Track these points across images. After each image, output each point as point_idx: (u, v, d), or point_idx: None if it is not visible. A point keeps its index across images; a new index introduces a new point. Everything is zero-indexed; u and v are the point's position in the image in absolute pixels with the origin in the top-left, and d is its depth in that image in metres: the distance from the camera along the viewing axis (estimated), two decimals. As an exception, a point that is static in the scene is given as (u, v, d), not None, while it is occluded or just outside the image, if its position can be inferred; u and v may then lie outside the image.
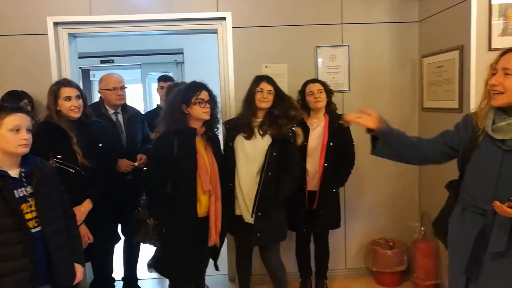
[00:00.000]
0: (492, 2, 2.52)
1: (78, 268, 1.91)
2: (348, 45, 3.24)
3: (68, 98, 2.34)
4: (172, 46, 5.61)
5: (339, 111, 2.99)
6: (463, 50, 2.63)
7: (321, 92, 2.80)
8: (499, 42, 2.50)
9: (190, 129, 2.30)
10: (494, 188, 1.63)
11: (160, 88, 3.79)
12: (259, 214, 2.50)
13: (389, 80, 3.30)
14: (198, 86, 2.35)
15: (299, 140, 2.63)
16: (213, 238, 2.36)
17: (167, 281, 2.57)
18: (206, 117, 2.32)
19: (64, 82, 2.43)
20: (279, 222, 2.61)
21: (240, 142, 2.58)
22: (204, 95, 2.31)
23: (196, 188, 2.28)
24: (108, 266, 2.86)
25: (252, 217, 2.51)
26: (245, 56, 3.19)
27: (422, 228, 3.09)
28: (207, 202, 2.34)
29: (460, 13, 2.65)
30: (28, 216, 1.68)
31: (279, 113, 2.55)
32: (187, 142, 2.27)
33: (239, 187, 2.57)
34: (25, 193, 1.70)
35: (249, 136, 2.56)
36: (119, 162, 2.84)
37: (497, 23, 2.54)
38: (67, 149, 2.29)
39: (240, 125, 2.59)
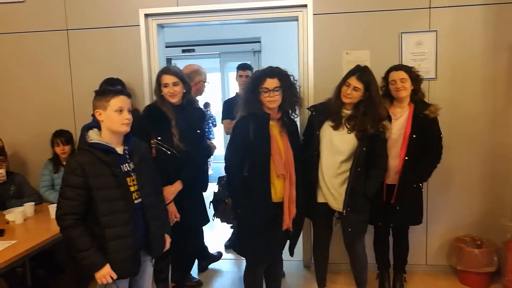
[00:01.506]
0: None
1: (167, 238, 2.13)
2: (436, 30, 3.05)
3: (166, 85, 2.57)
4: (249, 35, 5.71)
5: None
6: None
7: (404, 81, 2.62)
8: None
9: (263, 114, 2.36)
10: None
11: (239, 76, 3.88)
12: (349, 209, 2.50)
13: (482, 68, 3.06)
14: (261, 75, 2.37)
15: (388, 134, 2.53)
16: (286, 222, 2.39)
17: (243, 262, 2.66)
18: (272, 105, 2.33)
19: (165, 70, 2.66)
20: (366, 215, 2.60)
21: (328, 132, 2.55)
22: (268, 83, 2.31)
23: (269, 172, 2.33)
24: (191, 244, 3.03)
25: (343, 212, 2.52)
26: (325, 43, 3.15)
27: (516, 228, 2.86)
28: (281, 187, 2.38)
29: None
30: (131, 189, 1.89)
31: (366, 114, 2.46)
32: (261, 127, 2.34)
33: (322, 177, 2.57)
34: (129, 168, 1.90)
35: (336, 126, 2.53)
36: (211, 145, 3.12)
37: None
38: (166, 131, 2.52)
39: (329, 113, 2.56)
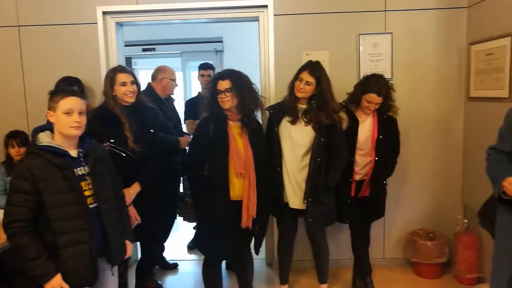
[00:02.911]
0: (550, -14, 2.39)
1: (128, 244, 2.04)
2: (391, 33, 3.17)
3: (124, 84, 2.45)
4: (212, 35, 5.68)
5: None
6: (516, 37, 2.53)
7: (378, 104, 2.66)
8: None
9: (221, 115, 2.41)
10: None
11: (200, 76, 3.88)
12: (310, 199, 2.56)
13: (434, 68, 3.22)
14: (215, 77, 2.45)
15: (345, 125, 2.62)
16: (245, 221, 2.43)
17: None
18: (224, 106, 2.37)
19: (120, 69, 2.55)
20: (329, 206, 2.65)
21: (286, 127, 2.61)
22: (220, 85, 2.36)
23: (228, 171, 2.37)
24: (154, 248, 2.99)
25: (304, 202, 2.58)
26: (286, 44, 3.20)
27: (465, 221, 3.02)
28: (241, 186, 2.41)
29: (513, -2, 2.54)
30: (86, 194, 1.80)
31: (319, 107, 2.54)
32: (219, 127, 2.40)
33: (286, 173, 2.62)
34: (84, 172, 1.82)
35: (294, 120, 2.59)
36: (180, 141, 3.03)
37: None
38: (119, 134, 2.40)
39: (285, 109, 2.63)
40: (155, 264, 3.23)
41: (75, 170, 1.79)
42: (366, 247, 2.99)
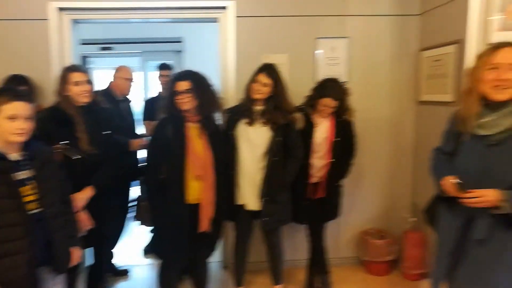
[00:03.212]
0: (492, -3, 2.55)
1: (75, 251, 1.93)
2: (348, 37, 3.27)
3: (78, 83, 2.36)
4: (172, 35, 5.63)
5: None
6: (460, 44, 2.67)
7: (333, 108, 2.71)
8: (498, 37, 2.52)
9: (180, 116, 2.39)
10: (478, 179, 1.70)
11: (160, 76, 3.84)
12: (267, 198, 2.58)
13: (388, 72, 3.34)
14: (174, 78, 2.44)
15: (300, 125, 2.68)
16: (204, 225, 2.41)
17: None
18: (183, 107, 2.35)
19: (73, 68, 2.46)
20: (285, 205, 2.69)
21: (243, 129, 2.63)
22: (178, 86, 2.35)
23: (185, 173, 2.35)
24: (105, 253, 2.91)
25: (260, 202, 2.59)
26: (246, 46, 3.21)
27: (413, 219, 3.16)
28: (199, 189, 2.39)
29: (459, 8, 2.69)
30: (30, 198, 1.69)
31: (275, 108, 2.58)
32: (177, 128, 2.37)
33: (243, 174, 2.63)
34: (26, 176, 1.70)
35: (251, 122, 2.61)
36: (131, 143, 2.97)
37: (496, 18, 2.57)
38: (72, 135, 2.31)
39: (242, 111, 2.64)
40: (107, 271, 3.13)
41: (17, 174, 1.67)
42: (322, 246, 3.04)
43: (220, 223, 2.57)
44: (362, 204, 3.43)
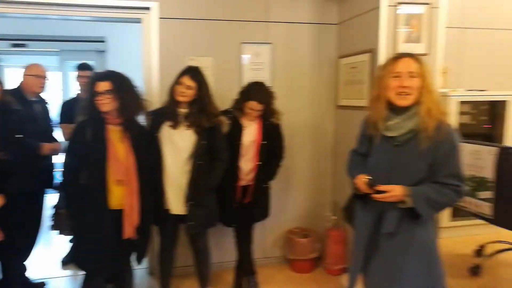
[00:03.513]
0: (398, 12, 2.79)
1: None
2: (271, 43, 3.36)
3: None
4: (94, 34, 5.38)
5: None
6: (373, 53, 2.88)
7: (258, 110, 2.76)
8: (404, 47, 2.77)
9: (99, 118, 2.31)
10: (387, 177, 1.85)
11: (78, 77, 3.65)
12: (192, 203, 2.55)
13: (309, 78, 3.49)
14: (94, 78, 2.35)
15: (225, 128, 2.70)
16: (128, 231, 2.34)
17: (80, 279, 2.50)
18: (103, 108, 2.27)
19: None
20: (211, 208, 2.68)
21: (167, 132, 2.59)
22: (98, 86, 2.27)
23: (106, 178, 2.27)
24: (16, 266, 2.69)
25: (186, 206, 2.56)
26: (170, 48, 3.17)
27: (334, 217, 3.33)
28: (121, 194, 2.32)
29: (371, 19, 2.90)
30: None
31: (200, 111, 2.57)
32: (97, 131, 2.29)
33: (168, 178, 2.59)
34: None
35: (175, 125, 2.57)
36: (42, 147, 2.78)
37: (402, 31, 2.82)
38: None
39: (166, 114, 2.60)
40: (20, 284, 2.90)
41: None
42: (250, 248, 3.09)
43: (147, 229, 2.50)
44: (287, 204, 3.54)
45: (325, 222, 3.41)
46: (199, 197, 2.58)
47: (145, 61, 3.20)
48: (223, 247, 3.35)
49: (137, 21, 3.19)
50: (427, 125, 1.77)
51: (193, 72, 2.60)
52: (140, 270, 3.29)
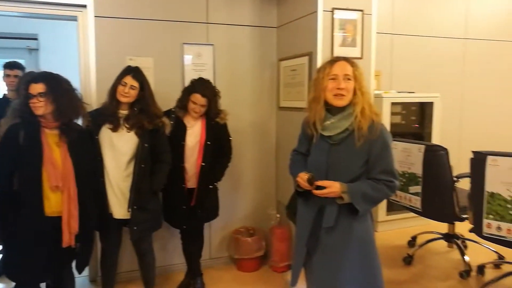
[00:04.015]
0: (334, 17, 2.92)
1: None
2: (213, 44, 3.37)
3: None
4: (24, 30, 5.05)
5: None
6: (311, 56, 2.99)
7: (203, 106, 2.77)
8: (340, 51, 2.91)
9: (34, 121, 2.19)
10: (325, 174, 1.94)
11: (6, 76, 3.42)
12: (135, 207, 2.50)
13: (252, 80, 3.54)
14: (27, 80, 2.22)
15: (167, 130, 2.67)
16: (66, 239, 2.23)
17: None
18: (37, 111, 2.16)
19: None
20: (155, 212, 2.65)
21: (107, 135, 2.51)
22: (32, 88, 2.16)
23: (41, 184, 2.16)
24: None
25: (128, 211, 2.50)
26: (108, 47, 3.07)
27: (278, 215, 3.41)
28: (59, 201, 2.21)
29: (309, 23, 3.00)
30: None
31: (141, 111, 2.53)
32: (31, 134, 2.18)
33: (109, 182, 2.52)
34: None
35: (115, 128, 2.51)
36: None
37: (338, 35, 2.95)
38: None
39: (105, 116, 2.52)
40: None
41: None
42: (198, 250, 3.08)
43: (88, 236, 2.40)
44: (233, 204, 3.57)
45: (269, 220, 3.47)
46: (143, 201, 2.54)
47: (82, 61, 3.08)
48: (168, 250, 3.31)
49: (73, 18, 3.05)
50: (361, 124, 1.87)
51: (135, 72, 2.55)
52: (81, 278, 3.15)
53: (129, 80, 2.50)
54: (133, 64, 2.83)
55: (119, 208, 2.54)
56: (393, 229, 3.79)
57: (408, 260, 3.01)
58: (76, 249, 2.33)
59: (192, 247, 3.05)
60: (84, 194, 2.29)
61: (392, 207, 3.71)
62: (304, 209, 2.07)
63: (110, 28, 3.07)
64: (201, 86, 2.77)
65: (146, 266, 2.79)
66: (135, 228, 2.55)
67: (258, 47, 3.53)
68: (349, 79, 1.91)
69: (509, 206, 2.27)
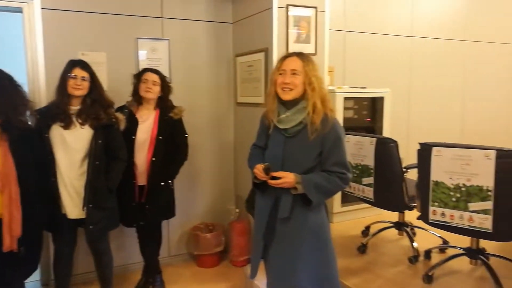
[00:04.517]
0: (289, 13, 2.97)
1: None
2: (168, 39, 3.33)
3: None
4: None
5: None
6: (267, 52, 3.03)
7: (155, 85, 2.77)
8: (295, 47, 2.96)
9: None
10: (281, 166, 1.99)
11: None
12: (91, 205, 2.43)
13: (209, 75, 3.54)
14: None
15: (122, 125, 2.62)
16: (7, 243, 2.12)
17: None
18: None
19: None
20: (111, 210, 2.59)
21: (58, 133, 2.42)
22: None
23: None
24: None
25: (83, 210, 2.43)
26: (58, 42, 2.96)
27: (237, 210, 3.44)
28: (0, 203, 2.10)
29: (265, 20, 3.04)
30: None
31: (94, 102, 2.48)
32: None
33: (62, 181, 2.43)
34: None
35: (67, 125, 2.42)
36: None
37: (293, 32, 3.01)
38: None
39: (55, 114, 2.43)
40: None
41: None
42: (154, 248, 3.04)
43: (34, 239, 2.29)
44: (192, 201, 3.55)
45: (229, 215, 3.49)
46: (98, 199, 2.48)
47: (29, 56, 2.94)
48: (126, 249, 3.25)
49: (17, 10, 2.90)
50: (313, 119, 1.93)
51: (82, 63, 2.50)
52: (32, 282, 3.02)
53: (78, 71, 2.44)
54: (85, 59, 2.75)
55: (73, 207, 2.46)
56: (348, 219, 3.93)
57: (362, 249, 3.14)
58: (20, 254, 2.20)
59: (149, 245, 3.01)
60: (29, 194, 2.18)
61: (347, 199, 3.84)
62: (261, 201, 2.11)
63: (59, 21, 2.96)
64: (150, 68, 2.84)
65: (103, 267, 2.73)
66: (91, 227, 2.48)
67: (214, 43, 3.53)
68: (296, 74, 1.96)
69: (451, 193, 2.43)
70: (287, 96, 1.98)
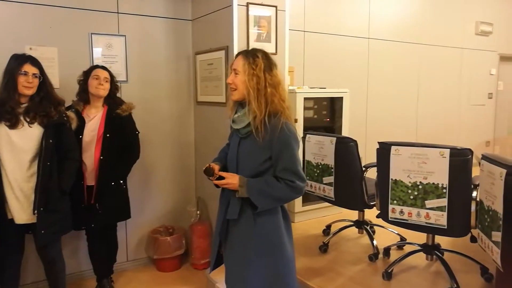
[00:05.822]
0: (249, 13, 2.94)
1: None
2: (125, 35, 3.21)
3: None
4: None
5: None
6: (228, 51, 2.97)
7: (107, 81, 2.70)
8: (255, 46, 2.91)
9: None
10: (236, 167, 1.94)
11: None
12: (42, 209, 2.29)
13: (167, 73, 3.45)
14: None
15: (74, 124, 2.53)
16: None
17: None
18: None
19: None
20: (64, 213, 2.46)
21: (4, 133, 2.27)
22: None
23: None
24: None
25: (34, 213, 2.29)
26: (2, 35, 2.77)
27: (198, 212, 3.36)
28: None
29: (225, 17, 2.98)
30: None
31: (43, 99, 2.35)
32: None
33: (9, 184, 2.28)
34: None
35: (13, 124, 2.27)
36: None
37: (253, 31, 2.98)
38: None
39: (1, 113, 2.27)
40: None
41: None
42: (105, 252, 2.93)
43: None
44: (149, 203, 3.44)
45: (190, 217, 3.41)
46: (50, 201, 2.34)
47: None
48: (79, 255, 3.11)
49: (-44, 1, 2.68)
50: (255, 121, 1.84)
51: (31, 59, 2.36)
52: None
53: (29, 68, 2.30)
54: (34, 54, 2.58)
55: (21, 212, 2.31)
56: (309, 219, 3.95)
57: (324, 248, 3.15)
58: None
59: (98, 249, 2.90)
60: None
61: (308, 198, 3.86)
62: (221, 198, 2.07)
63: (3, 12, 2.77)
64: (101, 65, 2.78)
65: (55, 275, 2.58)
66: (43, 232, 2.34)
67: (173, 40, 3.44)
68: (236, 74, 1.89)
69: (409, 191, 2.49)
70: (233, 97, 1.93)
